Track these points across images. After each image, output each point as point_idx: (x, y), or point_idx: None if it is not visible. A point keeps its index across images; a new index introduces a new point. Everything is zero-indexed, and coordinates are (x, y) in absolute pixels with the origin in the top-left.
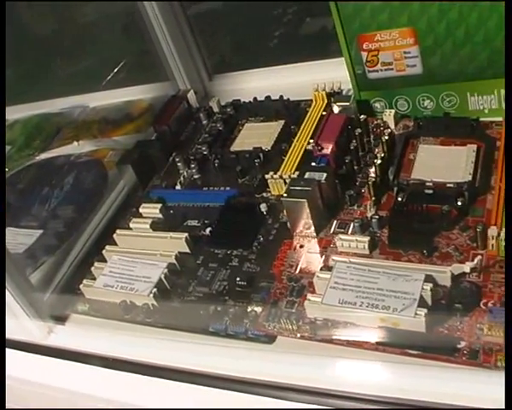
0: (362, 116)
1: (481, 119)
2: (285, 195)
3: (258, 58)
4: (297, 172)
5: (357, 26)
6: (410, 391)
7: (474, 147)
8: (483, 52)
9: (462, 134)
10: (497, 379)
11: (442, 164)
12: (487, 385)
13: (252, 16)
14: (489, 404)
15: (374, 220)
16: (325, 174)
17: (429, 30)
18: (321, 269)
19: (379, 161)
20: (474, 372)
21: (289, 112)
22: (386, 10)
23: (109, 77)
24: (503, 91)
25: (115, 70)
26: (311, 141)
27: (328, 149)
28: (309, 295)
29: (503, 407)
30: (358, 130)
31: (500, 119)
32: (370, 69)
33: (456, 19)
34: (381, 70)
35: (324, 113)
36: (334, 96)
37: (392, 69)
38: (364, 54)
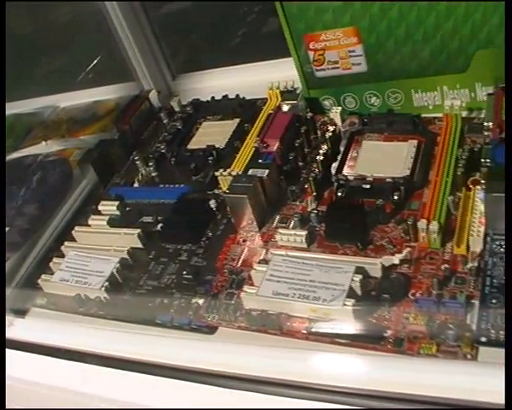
0: (309, 114)
1: (426, 115)
2: (227, 191)
3: (221, 57)
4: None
5: (303, 26)
6: (338, 378)
7: (415, 142)
8: (424, 50)
9: (404, 130)
10: (420, 366)
11: (384, 159)
12: (410, 372)
13: (220, 15)
14: (411, 389)
15: (313, 215)
16: (267, 171)
17: (371, 29)
18: (259, 262)
19: (321, 158)
20: (398, 360)
21: (245, 110)
22: (330, 10)
23: (80, 77)
24: (445, 88)
25: (87, 70)
26: (257, 139)
27: (273, 146)
28: (246, 288)
29: (423, 392)
30: (304, 127)
31: (441, 114)
32: (317, 68)
33: (396, 18)
34: (328, 69)
35: (271, 111)
36: (294, 93)
37: (338, 68)
38: (311, 53)
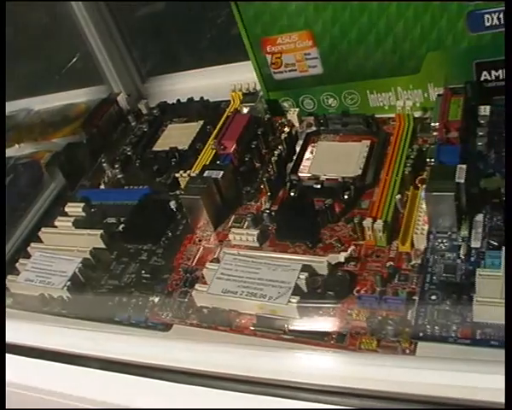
0: (266, 116)
1: (381, 115)
2: (182, 192)
3: (191, 60)
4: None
5: (260, 30)
6: (284, 372)
7: (368, 142)
8: (376, 52)
9: (359, 130)
10: (360, 360)
11: (337, 160)
12: (350, 366)
13: (190, 18)
14: (351, 383)
15: (265, 215)
16: (222, 172)
17: (325, 32)
18: (211, 261)
19: (275, 158)
20: (339, 355)
21: (208, 113)
22: (285, 15)
23: (54, 80)
24: (399, 88)
25: (61, 73)
26: (215, 141)
27: (230, 148)
28: (197, 286)
29: (363, 385)
30: (261, 129)
31: (393, 115)
32: (275, 71)
33: (348, 21)
34: (286, 71)
35: (230, 113)
36: (256, 95)
37: (295, 70)
38: (269, 56)
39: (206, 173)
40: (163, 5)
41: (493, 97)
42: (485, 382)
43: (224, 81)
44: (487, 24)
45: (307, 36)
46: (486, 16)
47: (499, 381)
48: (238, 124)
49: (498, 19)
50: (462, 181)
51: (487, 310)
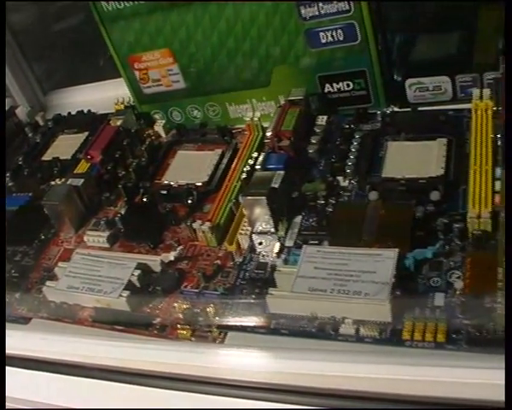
0: (134, 127)
1: (241, 125)
2: (45, 198)
3: (89, 74)
4: None
5: (126, 48)
6: (125, 360)
7: (220, 151)
8: (229, 68)
9: (215, 140)
10: (176, 347)
11: (191, 167)
12: (168, 353)
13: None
14: (170, 369)
15: (117, 218)
16: (83, 180)
17: (183, 50)
18: (64, 260)
19: (134, 167)
20: (160, 343)
21: (95, 124)
22: (146, 34)
23: None
24: (254, 100)
25: None
26: (84, 151)
27: (97, 158)
28: (48, 282)
29: (181, 371)
30: (127, 140)
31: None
32: (144, 86)
33: (201, 40)
34: (153, 86)
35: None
36: (129, 108)
37: (161, 85)
38: (137, 72)
39: (69, 181)
40: (78, 20)
41: (338, 108)
42: (281, 365)
43: (115, 95)
44: (323, 41)
45: (168, 53)
46: (321, 34)
47: (292, 364)
48: (106, 135)
49: (332, 36)
50: (277, 186)
51: (279, 303)
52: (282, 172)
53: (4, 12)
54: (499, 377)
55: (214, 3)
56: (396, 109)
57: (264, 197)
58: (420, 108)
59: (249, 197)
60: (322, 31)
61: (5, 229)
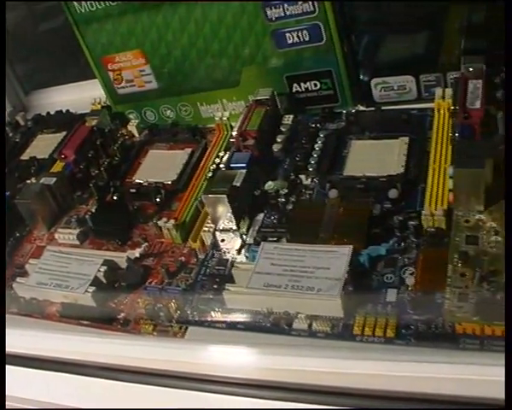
0: (107, 127)
1: (212, 125)
2: (18, 197)
3: (71, 74)
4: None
5: (100, 49)
6: (89, 354)
7: (189, 150)
8: (199, 68)
9: (185, 140)
10: (138, 342)
11: (162, 166)
12: (131, 347)
13: None
14: (132, 362)
15: (87, 216)
16: (55, 179)
17: (154, 51)
18: (35, 257)
19: (105, 166)
20: (123, 338)
21: (72, 124)
22: (118, 35)
23: None
24: (225, 100)
25: None
26: (58, 151)
27: (70, 157)
28: (18, 279)
29: (143, 364)
30: (101, 139)
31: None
32: (118, 86)
33: (171, 41)
34: (127, 86)
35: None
36: (106, 108)
37: (134, 85)
38: (111, 73)
39: (41, 180)
40: (60, 22)
41: (306, 107)
42: (237, 359)
43: (94, 95)
44: (289, 41)
45: (139, 54)
46: (288, 34)
47: (247, 357)
48: (80, 135)
49: (298, 36)
50: (239, 184)
51: (236, 298)
52: (244, 171)
53: (4, 12)
54: (446, 371)
55: (183, 4)
56: (362, 109)
57: (224, 195)
58: (384, 108)
59: (210, 195)
60: (288, 31)
61: (5, 229)
